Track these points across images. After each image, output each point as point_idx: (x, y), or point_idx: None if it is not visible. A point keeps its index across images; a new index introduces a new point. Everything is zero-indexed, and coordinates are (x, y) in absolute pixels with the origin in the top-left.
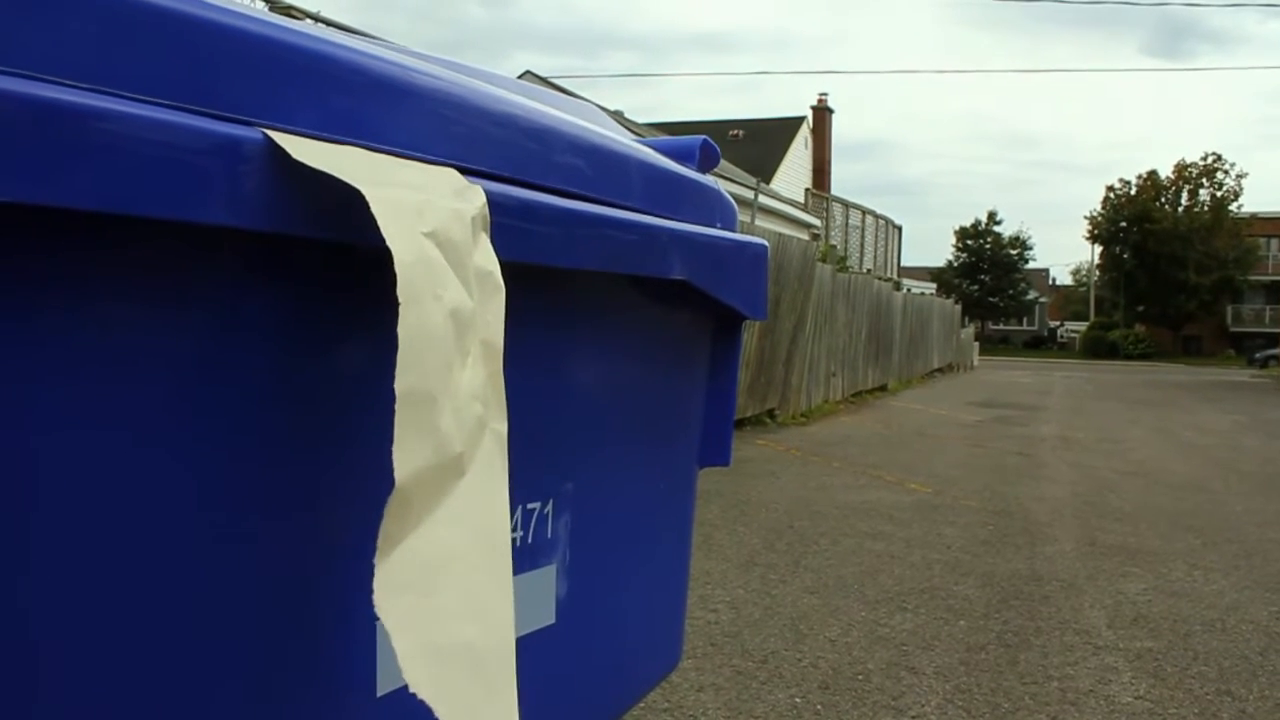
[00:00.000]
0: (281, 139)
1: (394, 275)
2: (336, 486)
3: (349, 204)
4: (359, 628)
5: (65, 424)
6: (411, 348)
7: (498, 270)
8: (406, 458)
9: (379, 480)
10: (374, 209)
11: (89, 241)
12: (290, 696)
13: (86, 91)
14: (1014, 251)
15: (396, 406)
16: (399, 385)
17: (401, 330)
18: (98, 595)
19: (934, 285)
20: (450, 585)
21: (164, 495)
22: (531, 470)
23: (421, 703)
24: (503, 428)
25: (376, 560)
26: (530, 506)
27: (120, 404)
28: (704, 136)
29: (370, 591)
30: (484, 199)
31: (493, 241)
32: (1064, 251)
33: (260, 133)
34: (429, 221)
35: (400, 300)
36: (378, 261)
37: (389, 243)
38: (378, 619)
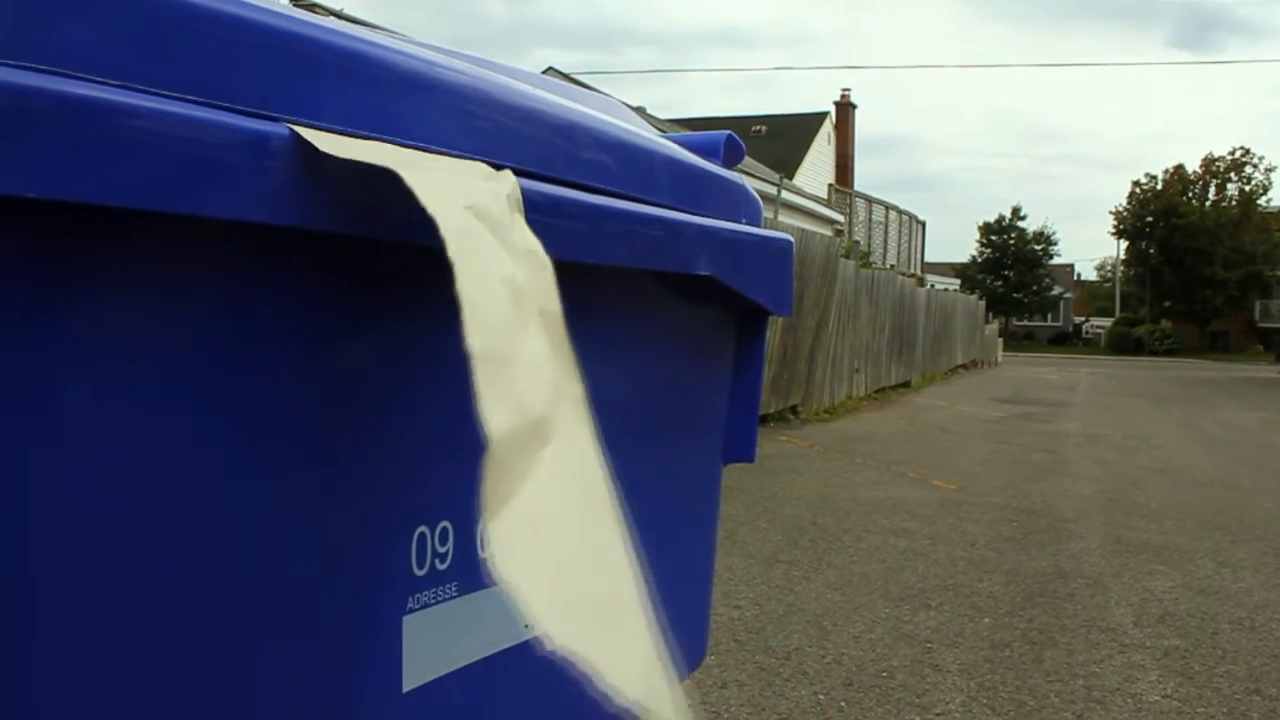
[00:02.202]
0: (308, 134)
1: (441, 243)
2: (364, 481)
3: (379, 200)
4: (386, 623)
5: (91, 422)
6: (475, 306)
7: (540, 248)
8: (495, 416)
9: (407, 476)
10: (411, 185)
11: (118, 237)
12: (316, 692)
13: (114, 88)
14: (1038, 247)
15: (474, 366)
16: (472, 344)
17: (461, 290)
18: (121, 592)
19: (958, 281)
20: (565, 542)
21: (193, 490)
22: None
23: (449, 698)
24: (579, 391)
25: (486, 522)
26: None
27: (149, 399)
28: (728, 132)
29: (394, 589)
30: (515, 181)
31: None
32: (1089, 247)
33: (286, 128)
34: (467, 197)
35: (453, 262)
36: (407, 258)
37: (431, 213)
38: (494, 583)
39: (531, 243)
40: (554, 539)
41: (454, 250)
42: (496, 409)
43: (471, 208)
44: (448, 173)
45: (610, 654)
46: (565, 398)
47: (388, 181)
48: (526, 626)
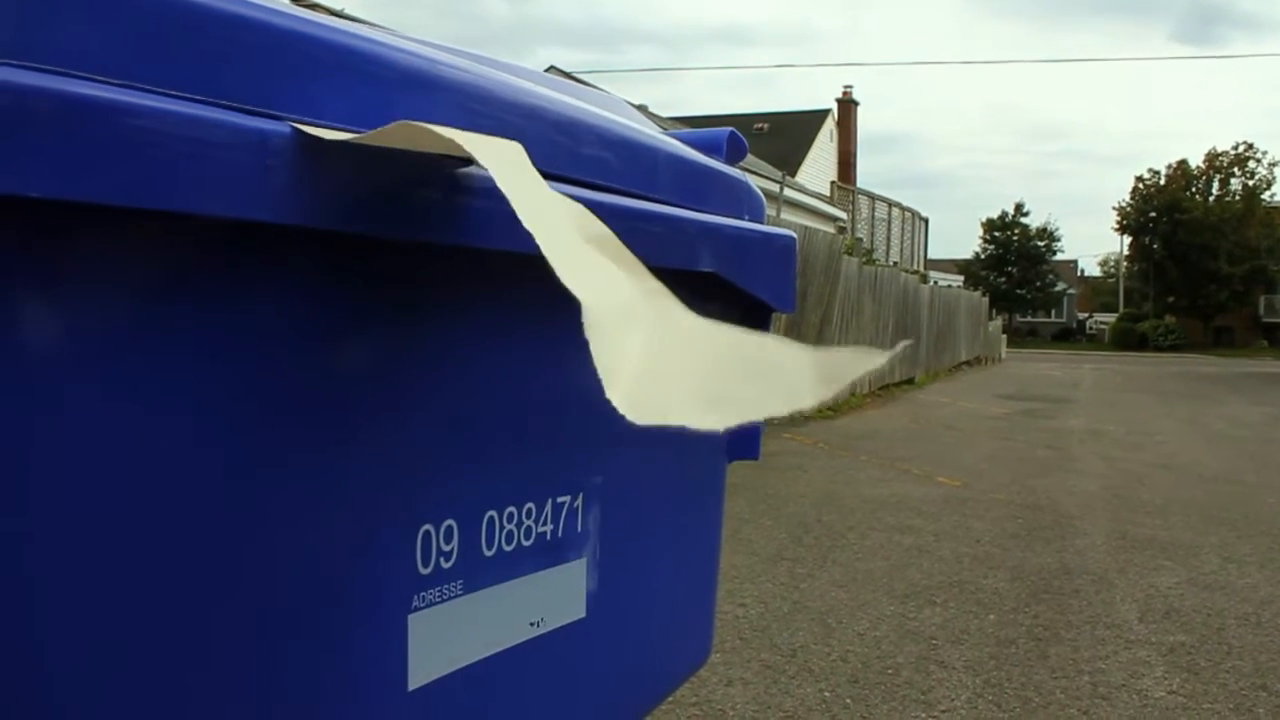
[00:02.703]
0: (312, 130)
1: (470, 160)
2: (369, 480)
3: (381, 199)
4: (391, 622)
5: (92, 421)
6: (524, 203)
7: (567, 197)
8: (582, 286)
9: (412, 474)
10: (435, 129)
11: (120, 236)
12: (322, 690)
13: (116, 87)
14: (1042, 243)
15: (543, 249)
16: (531, 224)
17: (506, 189)
18: (123, 592)
19: (961, 278)
20: (718, 376)
21: (196, 489)
22: (561, 464)
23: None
24: (658, 284)
25: (609, 393)
26: (560, 500)
27: (152, 397)
28: (731, 129)
29: (399, 587)
30: (522, 148)
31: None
32: (1092, 243)
33: (289, 126)
34: (495, 144)
35: (487, 166)
36: (410, 256)
37: (459, 140)
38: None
39: (555, 193)
40: (687, 373)
41: (483, 158)
42: (583, 282)
43: (494, 148)
44: (466, 132)
45: (781, 395)
46: (648, 291)
47: (395, 169)
48: (533, 624)
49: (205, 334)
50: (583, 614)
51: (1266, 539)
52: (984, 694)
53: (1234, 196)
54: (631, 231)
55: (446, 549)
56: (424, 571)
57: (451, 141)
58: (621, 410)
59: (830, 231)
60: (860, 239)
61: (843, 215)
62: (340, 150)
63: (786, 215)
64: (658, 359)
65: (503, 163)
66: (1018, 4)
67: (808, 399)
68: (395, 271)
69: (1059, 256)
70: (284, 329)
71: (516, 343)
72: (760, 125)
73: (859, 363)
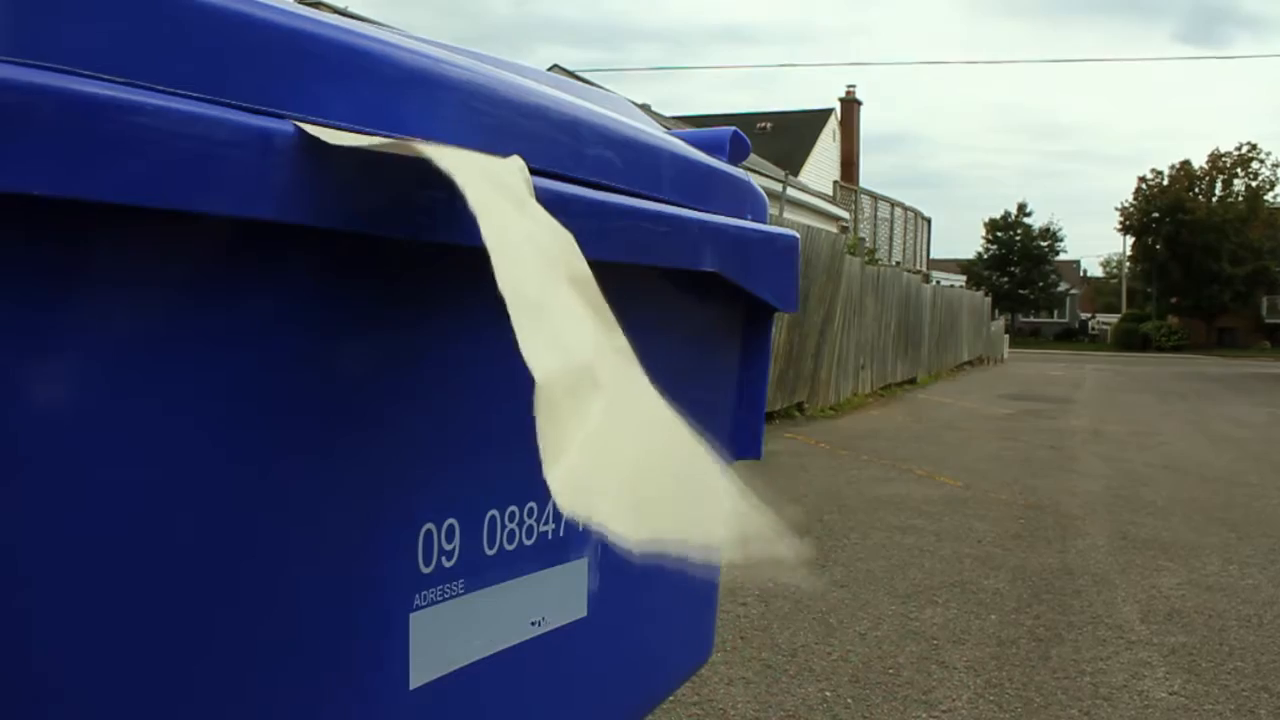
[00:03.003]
0: (315, 129)
1: (462, 199)
2: (372, 479)
3: (384, 197)
4: (393, 620)
5: (94, 418)
6: (503, 251)
7: (556, 222)
8: (537, 357)
9: (415, 473)
10: (424, 151)
11: (123, 234)
12: (324, 688)
13: (119, 85)
14: (1044, 243)
15: (510, 308)
16: (503, 286)
17: (488, 237)
18: (126, 589)
19: (963, 278)
20: (635, 467)
21: (199, 488)
22: None
23: (456, 695)
24: (624, 343)
25: (546, 472)
26: None
27: (153, 395)
28: (734, 128)
29: (401, 586)
30: (523, 164)
31: None
32: (1095, 243)
33: (292, 124)
34: (484, 166)
35: (476, 213)
36: (413, 255)
37: (446, 169)
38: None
39: (547, 217)
40: (621, 471)
41: (474, 201)
42: (537, 351)
43: (488, 175)
44: (461, 150)
45: (701, 528)
46: (612, 350)
47: (397, 168)
48: (535, 623)
49: (207, 332)
50: (584, 613)
51: (1268, 540)
52: (985, 694)
53: (1237, 197)
54: (634, 231)
55: (448, 548)
56: (425, 570)
57: (445, 168)
58: (554, 494)
59: (833, 231)
60: (863, 239)
61: (845, 215)
62: (343, 150)
63: (789, 215)
64: (600, 448)
65: (491, 199)
66: (1021, 3)
67: (723, 549)
68: (397, 270)
69: (1062, 257)
70: (286, 327)
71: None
72: (763, 124)
73: (776, 543)
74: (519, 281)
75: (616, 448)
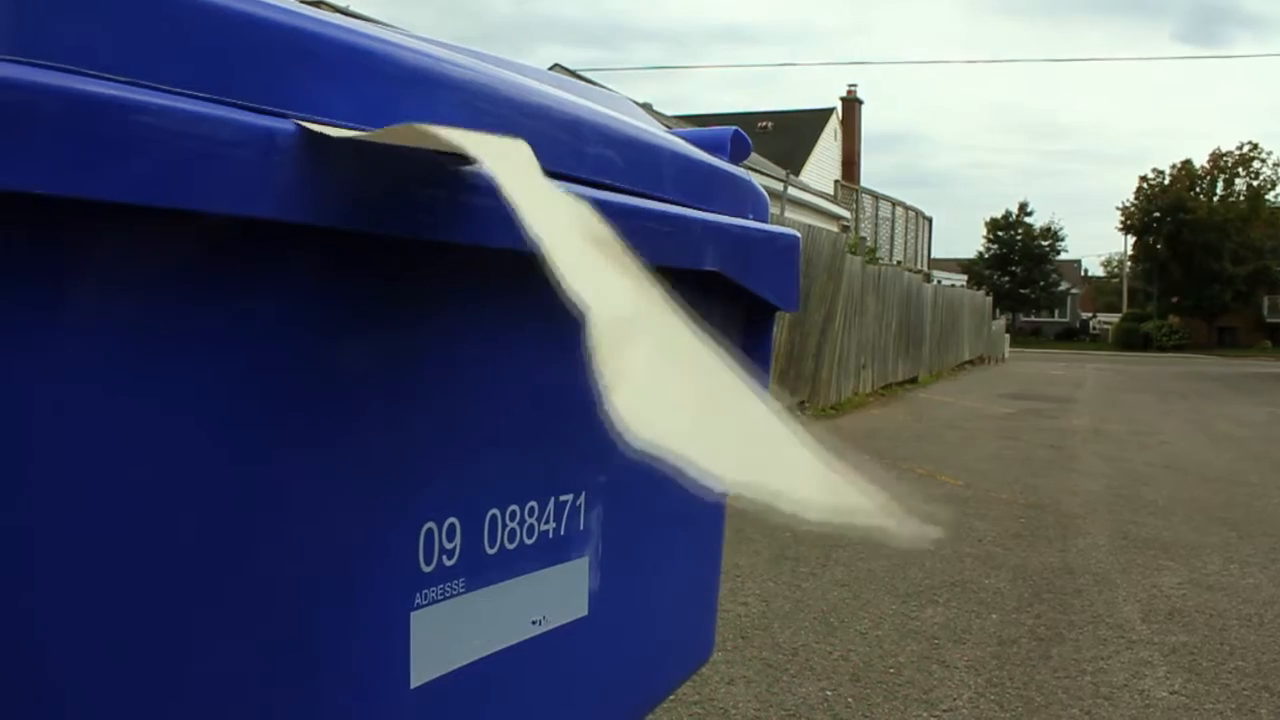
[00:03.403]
0: (318, 128)
1: (473, 161)
2: (372, 478)
3: (386, 196)
4: (393, 619)
5: (96, 417)
6: (529, 206)
7: (569, 195)
8: (584, 293)
9: (415, 472)
10: (429, 131)
11: (125, 233)
12: (324, 687)
13: (121, 84)
14: (1045, 243)
15: (545, 254)
16: (535, 233)
17: (511, 193)
18: (129, 589)
19: (964, 277)
20: (694, 400)
21: (200, 487)
22: (564, 462)
23: (456, 694)
24: (662, 293)
25: (610, 396)
26: (563, 498)
27: (155, 394)
28: (735, 127)
29: (402, 585)
30: (528, 145)
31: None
32: (1096, 242)
33: (294, 124)
34: (490, 140)
35: (494, 174)
36: (415, 254)
37: (456, 141)
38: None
39: (559, 189)
40: (681, 402)
41: (491, 166)
42: (584, 288)
43: (499, 148)
44: (467, 130)
45: (786, 478)
46: (647, 299)
47: (399, 165)
48: (535, 621)
49: (207, 331)
50: (585, 612)
51: (1269, 539)
52: (986, 693)
53: (1238, 197)
54: (636, 230)
55: (449, 547)
56: (426, 569)
57: (456, 143)
58: (622, 422)
59: (834, 230)
60: (864, 238)
61: (846, 214)
62: (346, 148)
63: (790, 214)
64: (660, 380)
65: (506, 164)
66: (1021, 3)
67: (809, 502)
68: (399, 269)
69: (1062, 256)
70: (288, 326)
71: (520, 340)
72: (764, 124)
73: (861, 496)
74: (550, 230)
75: (679, 386)
